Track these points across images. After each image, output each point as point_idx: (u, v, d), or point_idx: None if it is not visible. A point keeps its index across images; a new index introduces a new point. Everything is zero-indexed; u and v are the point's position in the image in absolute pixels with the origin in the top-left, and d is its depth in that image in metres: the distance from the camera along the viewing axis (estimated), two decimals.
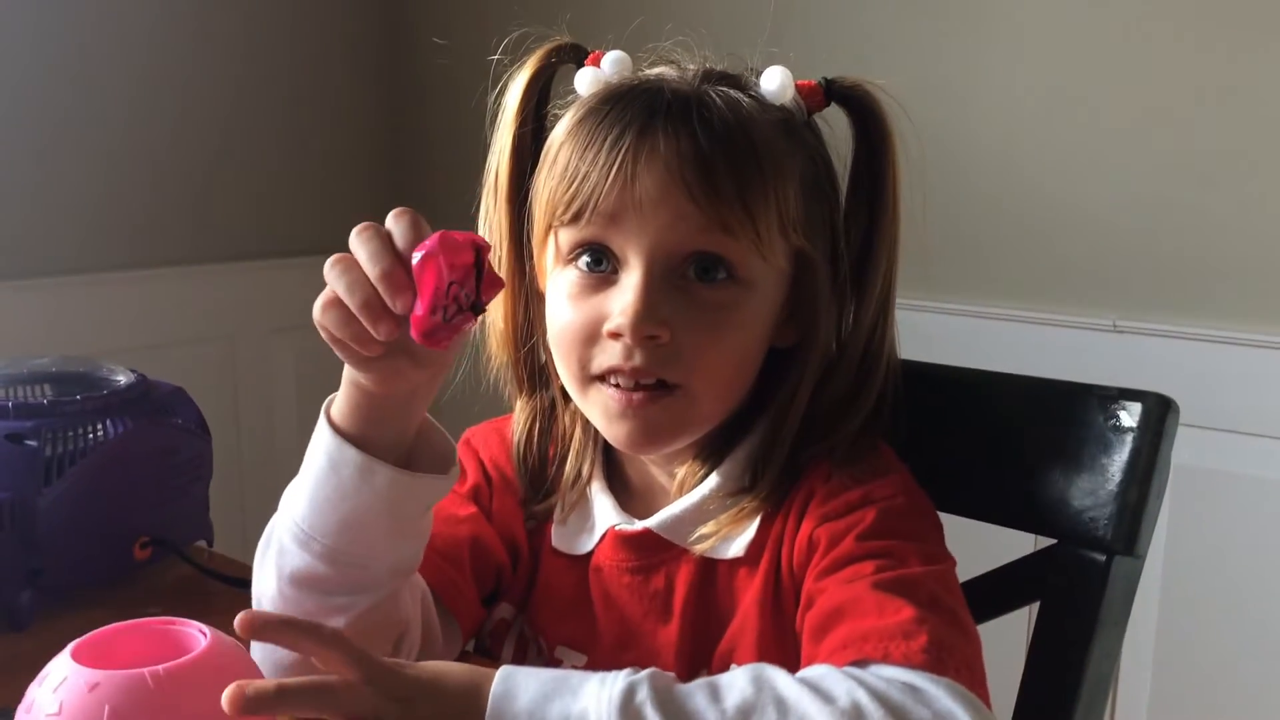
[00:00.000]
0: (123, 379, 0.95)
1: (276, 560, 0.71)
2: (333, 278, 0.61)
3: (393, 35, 2.30)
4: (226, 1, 2.06)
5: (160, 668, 0.55)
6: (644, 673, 0.59)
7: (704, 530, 0.76)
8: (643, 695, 0.57)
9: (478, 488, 0.84)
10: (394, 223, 0.62)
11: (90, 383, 0.94)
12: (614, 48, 0.78)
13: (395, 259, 0.60)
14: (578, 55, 0.80)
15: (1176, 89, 1.50)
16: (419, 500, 0.70)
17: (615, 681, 0.58)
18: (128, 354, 1.91)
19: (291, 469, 0.72)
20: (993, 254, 1.67)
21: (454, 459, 0.71)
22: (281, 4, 2.15)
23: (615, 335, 0.72)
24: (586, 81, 0.77)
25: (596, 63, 0.78)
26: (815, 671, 0.61)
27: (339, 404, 0.69)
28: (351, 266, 0.61)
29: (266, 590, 0.71)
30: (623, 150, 0.70)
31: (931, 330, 1.64)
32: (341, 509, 0.68)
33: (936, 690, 0.59)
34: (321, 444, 0.69)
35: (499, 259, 0.81)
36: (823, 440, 0.77)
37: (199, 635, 0.59)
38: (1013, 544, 0.85)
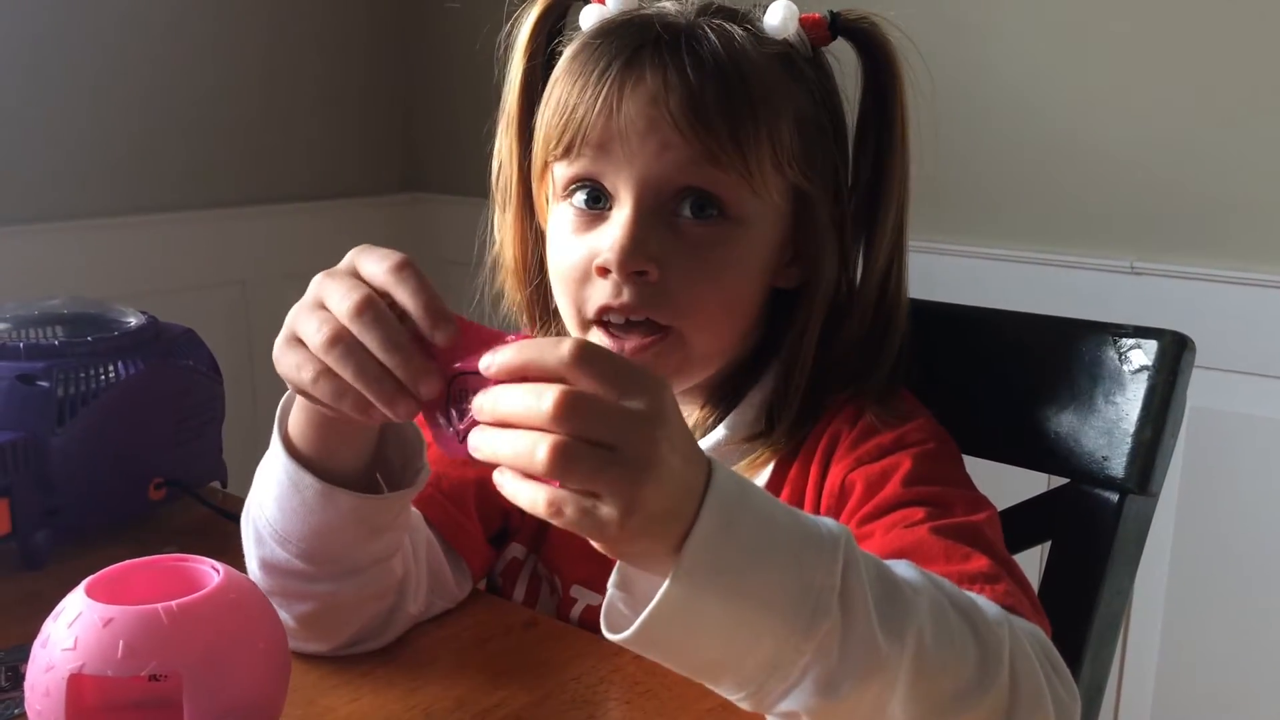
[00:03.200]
0: (133, 320, 0.95)
1: (256, 549, 0.68)
2: (334, 357, 0.54)
3: None
4: None
5: (174, 603, 0.55)
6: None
7: None
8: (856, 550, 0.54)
9: None
10: (405, 293, 0.53)
11: (101, 324, 0.94)
12: None
13: (415, 350, 0.53)
14: None
15: (1199, 27, 1.47)
16: (388, 512, 0.67)
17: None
18: (140, 299, 1.90)
19: None
20: (1007, 194, 1.65)
21: (421, 453, 0.68)
22: None
23: (603, 271, 0.71)
24: (590, 18, 0.77)
25: (602, 1, 0.77)
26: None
27: (295, 422, 0.65)
28: (355, 349, 0.54)
29: (250, 568, 0.70)
30: (609, 81, 0.70)
31: (944, 273, 1.62)
32: (310, 521, 0.65)
33: (1035, 631, 0.60)
34: (279, 461, 0.65)
35: (510, 193, 0.81)
36: (849, 385, 0.77)
37: (211, 572, 0.60)
38: (1023, 484, 0.85)
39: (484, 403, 0.50)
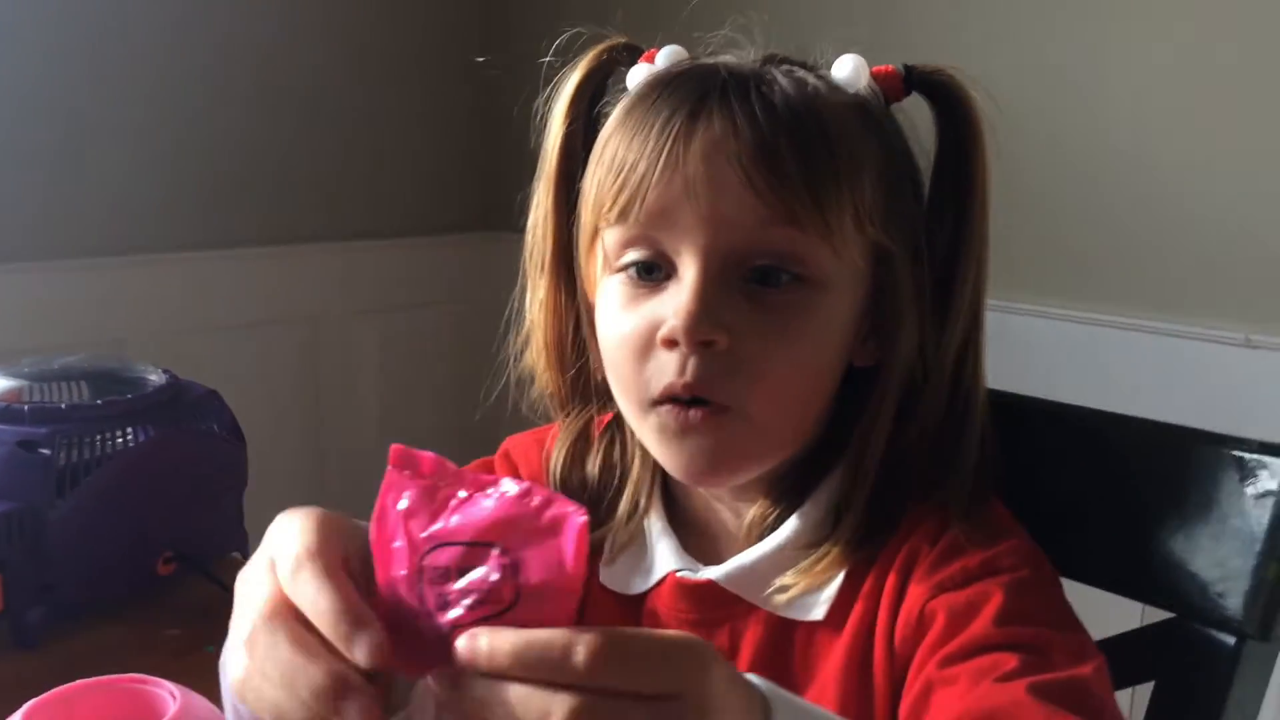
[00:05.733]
0: (154, 379, 0.89)
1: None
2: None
3: (483, 15, 2.23)
4: None
5: None
6: None
7: (784, 580, 0.66)
8: None
9: None
10: (304, 603, 0.43)
11: (119, 383, 0.88)
12: (669, 43, 0.70)
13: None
14: (632, 56, 0.72)
15: None
16: None
17: None
18: (211, 333, 1.90)
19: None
20: (1112, 257, 1.53)
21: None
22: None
23: (670, 342, 0.63)
24: (639, 78, 0.69)
25: (651, 60, 0.70)
26: None
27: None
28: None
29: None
30: (672, 134, 0.62)
31: (1043, 338, 1.51)
32: None
33: None
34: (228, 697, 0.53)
35: (544, 267, 0.73)
36: (928, 489, 0.67)
37: (168, 699, 0.53)
38: (1110, 610, 0.73)
39: (477, 700, 0.40)
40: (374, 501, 0.42)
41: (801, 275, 0.63)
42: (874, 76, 0.67)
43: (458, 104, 2.26)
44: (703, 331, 0.61)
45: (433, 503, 0.41)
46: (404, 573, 0.41)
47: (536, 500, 0.40)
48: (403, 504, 0.41)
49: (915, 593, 0.64)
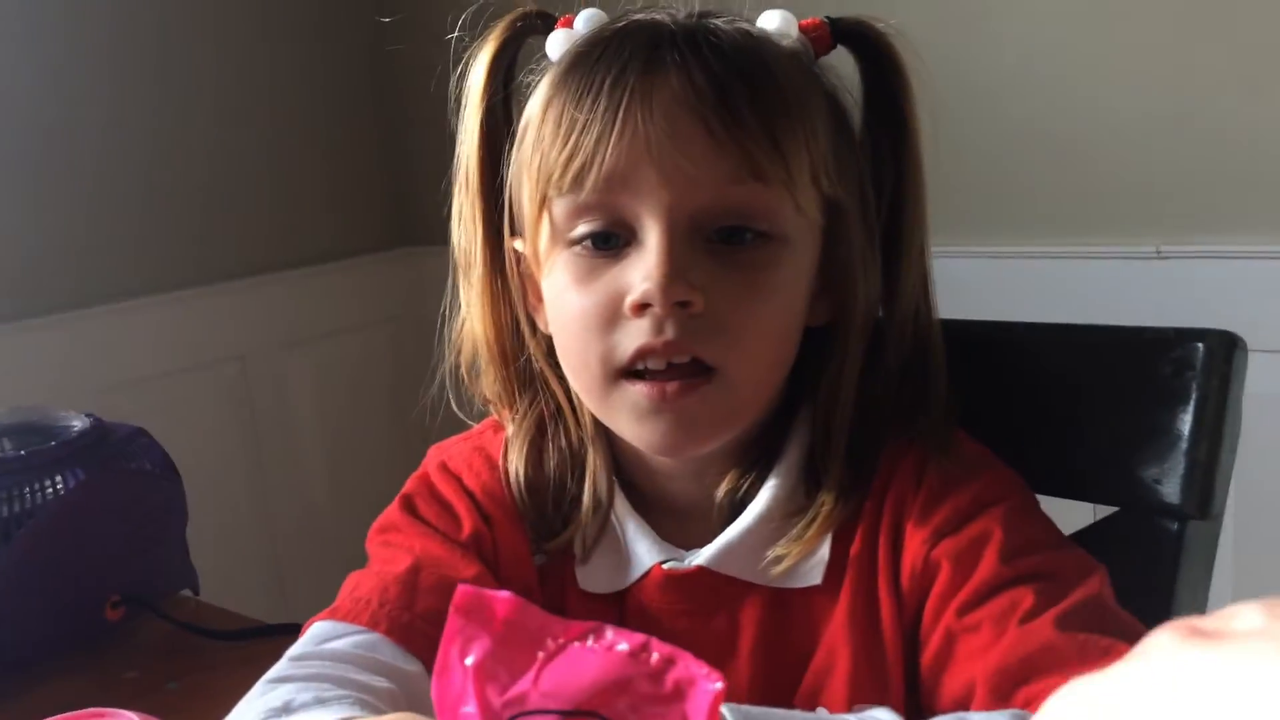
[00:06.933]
0: (77, 424, 0.87)
1: None
2: None
3: (377, 32, 2.21)
4: (205, 13, 1.98)
5: None
6: None
7: (777, 551, 0.65)
8: None
9: (478, 536, 0.69)
10: None
11: (42, 433, 0.86)
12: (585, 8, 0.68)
13: None
14: (546, 24, 0.69)
15: None
16: None
17: None
18: (135, 385, 1.86)
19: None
20: (1015, 186, 1.55)
21: None
22: (260, 13, 2.06)
23: (641, 307, 0.60)
24: (559, 45, 0.67)
25: (569, 26, 0.68)
26: None
27: None
28: None
29: None
30: (627, 90, 0.60)
31: (953, 276, 1.52)
32: None
33: None
34: None
35: (474, 259, 0.69)
36: (900, 432, 0.67)
37: None
38: (1063, 516, 0.75)
39: None
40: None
41: (766, 232, 0.62)
42: (802, 30, 0.67)
43: (358, 124, 2.24)
44: (678, 291, 0.60)
45: (514, 657, 0.32)
46: None
47: (656, 657, 0.32)
48: (472, 658, 0.32)
49: (914, 541, 0.64)
